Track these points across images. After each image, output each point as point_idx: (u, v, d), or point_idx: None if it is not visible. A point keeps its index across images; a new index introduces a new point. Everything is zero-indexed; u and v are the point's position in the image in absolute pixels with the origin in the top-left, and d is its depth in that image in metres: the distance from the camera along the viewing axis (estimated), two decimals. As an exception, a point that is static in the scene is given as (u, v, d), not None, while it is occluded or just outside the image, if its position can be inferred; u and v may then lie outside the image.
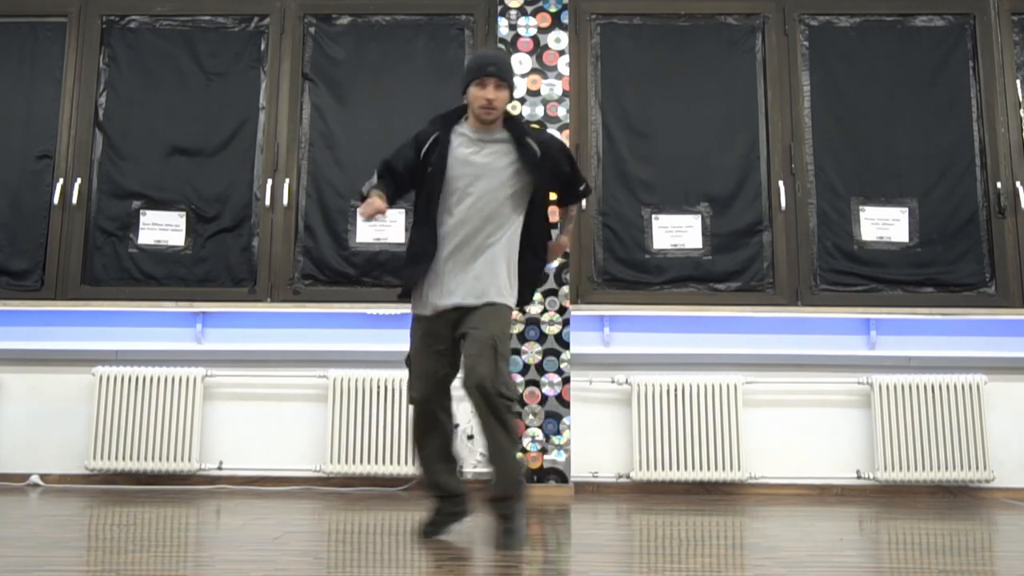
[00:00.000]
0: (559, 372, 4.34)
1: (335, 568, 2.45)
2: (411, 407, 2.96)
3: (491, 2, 4.74)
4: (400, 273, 3.02)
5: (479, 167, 2.88)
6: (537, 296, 4.37)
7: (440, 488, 2.97)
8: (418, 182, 2.94)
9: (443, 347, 2.89)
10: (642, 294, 4.55)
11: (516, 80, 4.58)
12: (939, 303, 4.50)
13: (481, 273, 2.84)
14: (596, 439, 4.44)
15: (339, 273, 4.59)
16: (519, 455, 2.97)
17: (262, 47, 4.81)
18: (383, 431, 4.36)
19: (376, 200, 2.82)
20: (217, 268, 4.62)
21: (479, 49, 4.72)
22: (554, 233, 3.23)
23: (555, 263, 4.27)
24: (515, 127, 2.95)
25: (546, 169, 2.93)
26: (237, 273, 4.61)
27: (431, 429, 2.94)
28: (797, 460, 4.42)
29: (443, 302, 2.85)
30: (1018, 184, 4.58)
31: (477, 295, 2.83)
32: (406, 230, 4.54)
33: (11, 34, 4.84)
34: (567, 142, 4.54)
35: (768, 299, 4.52)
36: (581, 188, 3.08)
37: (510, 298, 2.90)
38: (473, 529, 3.20)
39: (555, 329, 4.37)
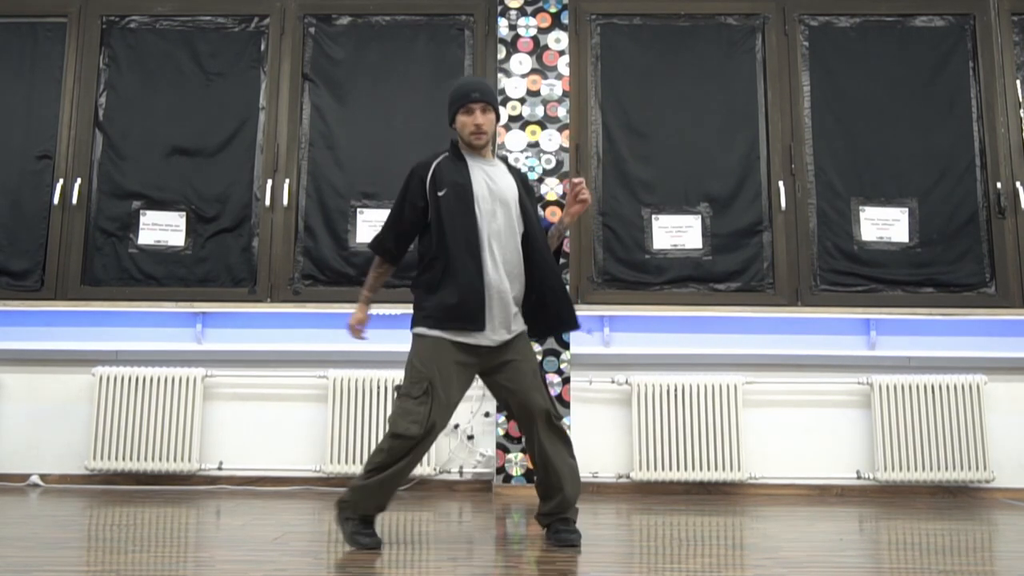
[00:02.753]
0: (559, 372, 4.34)
1: (335, 568, 2.45)
2: (410, 438, 2.68)
3: (491, 2, 4.74)
4: (448, 310, 2.77)
5: (499, 189, 2.86)
6: (537, 296, 4.36)
7: (378, 511, 2.80)
8: (431, 214, 2.85)
9: (467, 382, 2.83)
10: (642, 294, 4.55)
11: (516, 80, 4.59)
12: (939, 303, 4.50)
13: (515, 301, 2.85)
14: (596, 439, 4.44)
15: (339, 273, 4.59)
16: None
17: (262, 47, 4.81)
18: (383, 431, 4.36)
19: (357, 315, 2.95)
20: (217, 268, 4.62)
21: (478, 51, 4.72)
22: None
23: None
24: (504, 161, 3.02)
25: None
26: (237, 273, 4.62)
27: (417, 458, 2.74)
28: (797, 460, 4.42)
29: (498, 336, 2.80)
30: (1018, 184, 4.58)
31: (515, 325, 2.85)
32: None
33: (11, 34, 4.85)
34: (567, 142, 4.55)
35: (768, 299, 4.53)
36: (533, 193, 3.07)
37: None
38: (472, 530, 3.20)
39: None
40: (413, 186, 2.86)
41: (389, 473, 2.71)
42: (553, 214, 4.47)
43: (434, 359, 2.74)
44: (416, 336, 2.81)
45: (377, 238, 2.95)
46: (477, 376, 2.89)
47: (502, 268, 2.80)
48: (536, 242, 2.87)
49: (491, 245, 2.80)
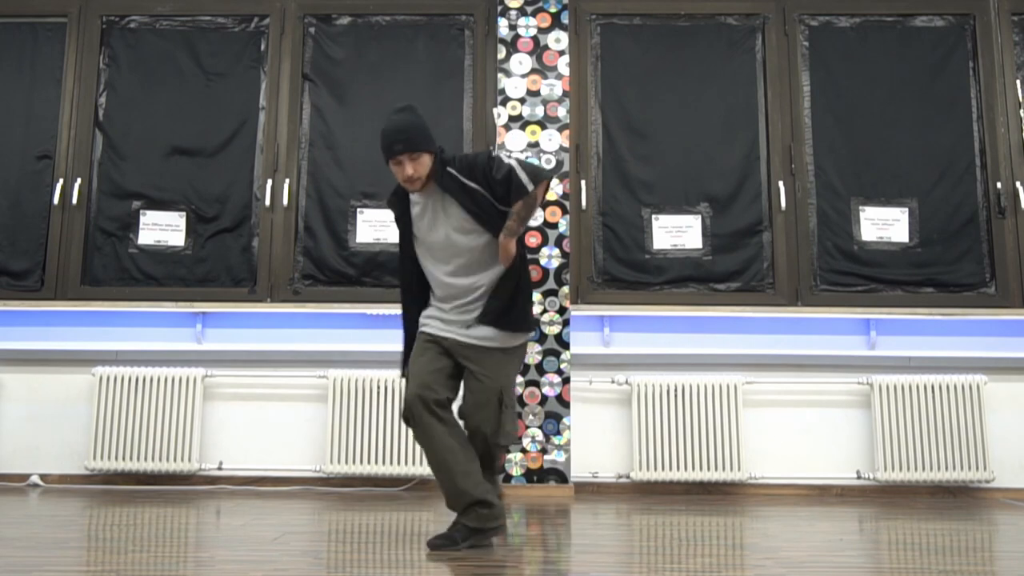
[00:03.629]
0: (559, 372, 4.34)
1: (335, 568, 2.45)
2: (406, 421, 2.79)
3: (491, 2, 4.74)
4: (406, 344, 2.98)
5: (442, 232, 2.87)
6: (537, 296, 4.37)
7: (462, 497, 2.74)
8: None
9: (446, 354, 2.86)
10: (642, 294, 4.55)
11: (516, 80, 4.59)
12: (939, 303, 4.50)
13: (482, 296, 2.86)
14: (596, 439, 4.44)
15: (339, 273, 4.59)
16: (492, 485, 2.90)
17: (262, 47, 4.81)
18: (383, 431, 4.36)
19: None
20: (217, 268, 4.62)
21: (478, 51, 4.71)
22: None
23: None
24: (440, 176, 2.84)
25: (485, 196, 2.84)
26: (237, 273, 4.61)
27: (435, 432, 2.73)
28: (797, 460, 4.42)
29: (462, 336, 2.84)
30: (1018, 184, 4.58)
31: (487, 339, 2.83)
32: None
33: (11, 34, 4.85)
34: (567, 142, 4.55)
35: (768, 299, 4.52)
36: (525, 189, 2.76)
37: (515, 337, 2.88)
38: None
39: (555, 329, 4.37)
40: (393, 208, 3.01)
41: (430, 458, 2.78)
42: (553, 214, 4.47)
43: (415, 349, 2.92)
44: None
45: (403, 278, 3.05)
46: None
47: (457, 289, 2.86)
48: (463, 258, 2.87)
49: (437, 273, 2.89)
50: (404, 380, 2.89)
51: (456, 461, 2.73)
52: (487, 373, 2.81)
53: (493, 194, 2.82)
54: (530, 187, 2.76)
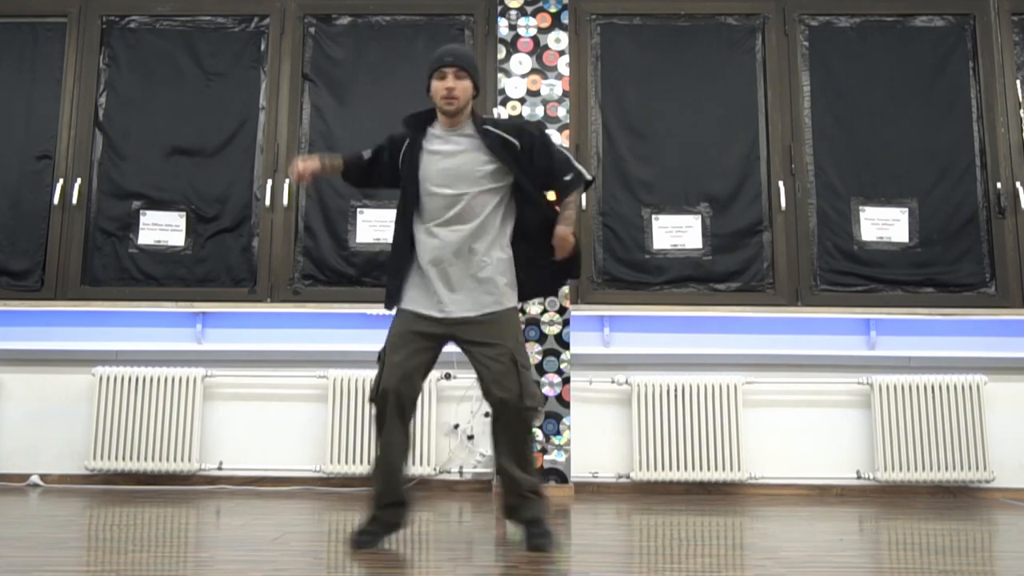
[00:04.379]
0: (559, 372, 4.34)
1: (335, 568, 2.45)
2: (374, 404, 2.76)
3: (491, 2, 4.74)
4: (387, 284, 2.91)
5: (454, 168, 2.80)
6: (537, 296, 4.36)
7: (392, 495, 2.78)
8: (398, 185, 2.92)
9: (427, 347, 2.79)
10: (642, 294, 4.55)
11: (516, 80, 4.59)
12: (939, 303, 4.50)
13: (484, 280, 2.78)
14: (596, 439, 4.44)
15: (339, 273, 4.59)
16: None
17: (262, 47, 4.81)
18: (383, 431, 4.36)
19: (311, 162, 2.87)
20: (217, 268, 4.62)
21: (478, 51, 4.72)
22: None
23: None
24: (482, 121, 2.87)
25: (526, 161, 2.84)
26: (237, 273, 4.61)
27: (395, 428, 2.73)
28: (797, 460, 4.42)
29: (451, 309, 2.76)
30: (1018, 184, 4.58)
31: (484, 305, 2.78)
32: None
33: (11, 34, 4.84)
34: (567, 142, 4.54)
35: (768, 299, 4.52)
36: (567, 178, 2.86)
37: (513, 299, 2.85)
38: (471, 530, 3.20)
39: (555, 329, 4.37)
40: (386, 149, 2.95)
41: (378, 448, 2.77)
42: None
43: (393, 329, 2.83)
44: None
45: (353, 154, 3.02)
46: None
47: (448, 246, 2.77)
48: (526, 205, 2.85)
49: (430, 224, 2.80)
50: (379, 362, 2.79)
51: (402, 461, 2.78)
52: (496, 340, 2.75)
53: (531, 163, 2.84)
54: (589, 177, 2.91)
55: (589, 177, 2.92)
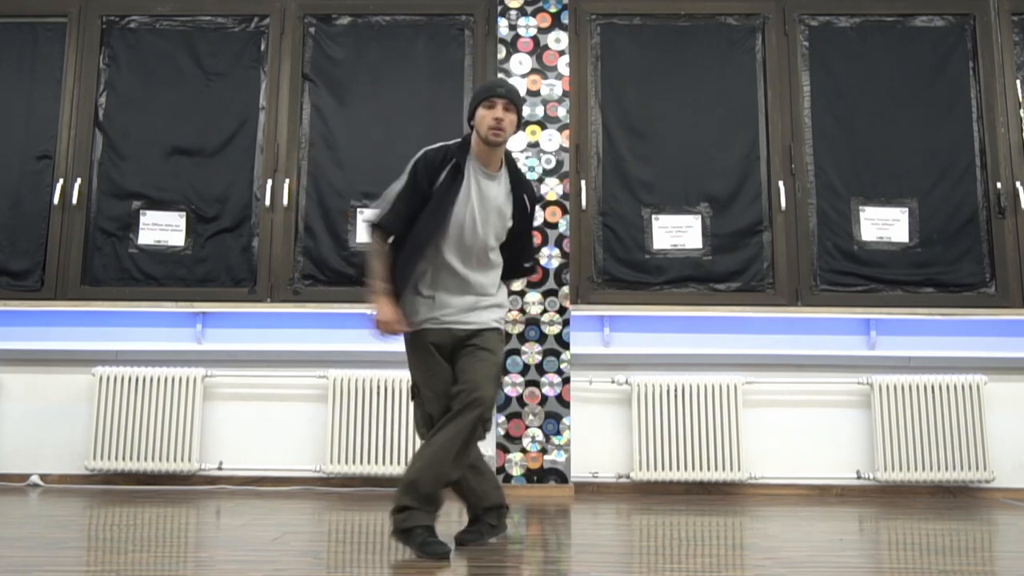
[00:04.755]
0: (559, 372, 4.34)
1: (335, 568, 2.45)
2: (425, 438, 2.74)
3: (491, 2, 4.74)
4: (403, 299, 2.80)
5: (491, 203, 2.82)
6: (537, 296, 4.37)
7: (480, 498, 2.83)
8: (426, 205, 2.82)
9: (445, 363, 2.80)
10: (642, 294, 4.55)
11: (516, 80, 4.59)
12: (939, 303, 4.50)
13: (489, 295, 2.85)
14: (596, 439, 4.44)
15: (339, 273, 4.59)
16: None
17: (262, 47, 4.81)
18: (383, 431, 4.36)
19: (387, 310, 2.75)
20: (217, 268, 4.62)
21: (478, 51, 4.72)
22: None
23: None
24: (515, 171, 2.92)
25: (521, 223, 2.93)
26: (237, 273, 4.61)
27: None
28: (797, 460, 4.42)
29: (463, 319, 2.79)
30: (1018, 184, 4.58)
31: (488, 318, 2.84)
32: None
33: (11, 34, 4.85)
34: (567, 142, 4.55)
35: (768, 299, 4.52)
36: (527, 265, 3.03)
37: (500, 318, 2.93)
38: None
39: (555, 329, 4.37)
40: (426, 173, 2.80)
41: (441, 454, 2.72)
42: (553, 214, 4.46)
43: (413, 355, 2.81)
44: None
45: (387, 216, 2.79)
46: None
47: (474, 268, 2.82)
48: (491, 258, 2.89)
49: (446, 252, 2.78)
50: (415, 396, 2.80)
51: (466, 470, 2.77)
52: (491, 348, 2.79)
53: (517, 223, 2.90)
54: (529, 267, 3.08)
55: (531, 266, 3.09)
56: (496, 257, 2.89)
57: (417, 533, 2.60)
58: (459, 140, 2.88)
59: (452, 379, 2.75)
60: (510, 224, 2.88)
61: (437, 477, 2.64)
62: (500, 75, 4.60)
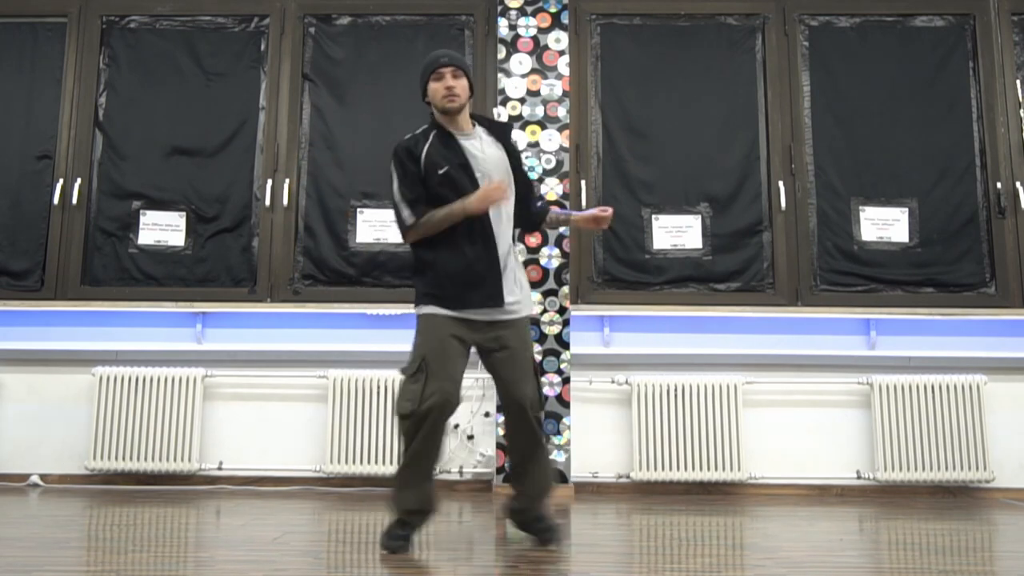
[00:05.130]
0: (559, 372, 4.34)
1: (335, 568, 2.45)
2: (413, 416, 2.64)
3: (491, 2, 4.74)
4: (445, 287, 2.75)
5: (489, 160, 2.85)
6: (537, 296, 4.37)
7: (428, 504, 2.75)
8: (431, 191, 2.81)
9: (464, 352, 2.77)
10: (642, 294, 4.55)
11: (516, 80, 4.59)
12: (939, 303, 4.50)
13: (517, 281, 2.83)
14: (596, 439, 4.44)
15: (339, 273, 4.59)
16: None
17: (262, 47, 4.81)
18: (383, 431, 4.36)
19: (497, 181, 2.75)
20: (217, 268, 4.62)
21: (478, 51, 4.72)
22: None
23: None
24: (484, 122, 2.95)
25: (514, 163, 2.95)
26: (237, 273, 4.61)
27: (439, 442, 2.72)
28: (797, 460, 4.42)
29: (494, 315, 2.77)
30: (1018, 184, 4.58)
31: (517, 308, 2.82)
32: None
33: (11, 34, 4.85)
34: (567, 142, 4.55)
35: (768, 299, 4.52)
36: (539, 204, 3.06)
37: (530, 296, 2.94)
38: (472, 530, 3.20)
39: (555, 329, 4.37)
40: (409, 161, 2.81)
41: (407, 457, 2.69)
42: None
43: (430, 335, 2.73)
44: (417, 317, 2.80)
45: (405, 211, 2.80)
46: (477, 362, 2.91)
47: (500, 241, 2.81)
48: (508, 210, 2.88)
49: (491, 218, 2.80)
50: (417, 371, 2.69)
51: (433, 470, 2.76)
52: (522, 344, 2.81)
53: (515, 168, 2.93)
54: (543, 204, 3.08)
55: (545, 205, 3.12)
56: (512, 225, 2.91)
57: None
58: (426, 125, 2.92)
59: (464, 367, 2.77)
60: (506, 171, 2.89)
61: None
62: (499, 74, 4.60)
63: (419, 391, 2.65)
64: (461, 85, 2.83)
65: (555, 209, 3.10)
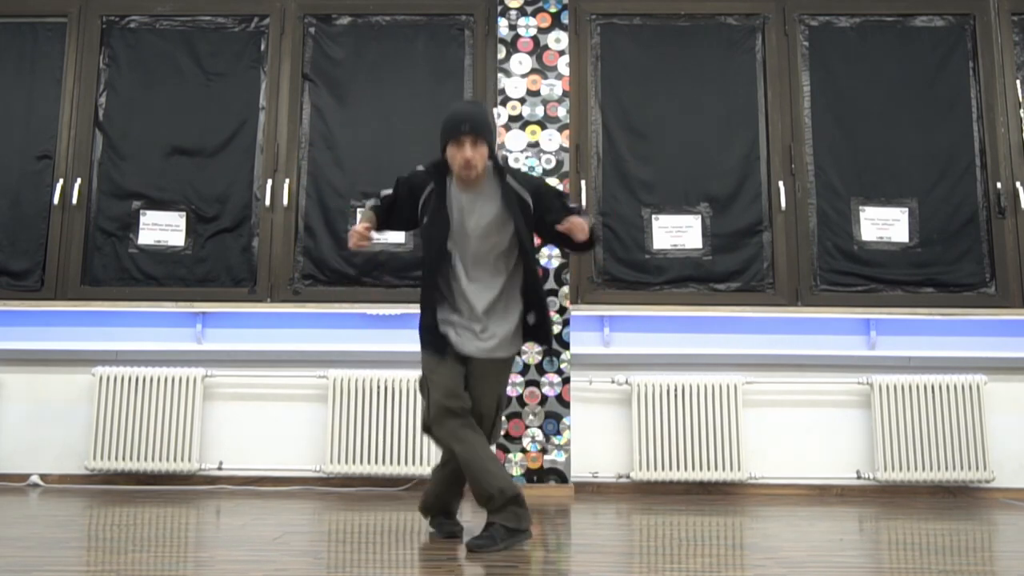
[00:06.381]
0: (559, 372, 4.34)
1: (335, 568, 2.45)
2: (431, 430, 2.83)
3: (491, 2, 4.74)
4: (424, 335, 2.91)
5: (476, 219, 2.86)
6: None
7: (508, 492, 2.79)
8: (419, 230, 2.99)
9: (461, 361, 2.88)
10: (642, 294, 4.55)
11: (516, 80, 4.59)
12: (939, 303, 4.50)
13: (497, 326, 2.87)
14: (596, 439, 4.44)
15: (339, 273, 4.59)
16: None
17: (262, 47, 4.81)
18: (383, 431, 4.36)
19: (361, 225, 2.86)
20: (217, 268, 4.62)
21: (478, 51, 4.72)
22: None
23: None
24: (502, 175, 2.92)
25: (537, 217, 2.92)
26: (237, 273, 4.61)
27: (471, 439, 2.80)
28: (797, 460, 4.42)
29: (470, 348, 2.86)
30: (1018, 184, 4.58)
31: (492, 349, 2.87)
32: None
33: (11, 34, 4.85)
34: (567, 142, 4.55)
35: (768, 299, 4.52)
36: (573, 205, 3.01)
37: (516, 347, 2.95)
38: (472, 530, 3.20)
39: (555, 329, 4.37)
40: (404, 192, 2.96)
41: (463, 461, 2.80)
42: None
43: (428, 360, 2.89)
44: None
45: (380, 201, 3.00)
46: None
47: (470, 296, 2.86)
48: (526, 261, 2.91)
49: (460, 276, 2.87)
50: (423, 390, 2.88)
51: (492, 460, 2.81)
52: (493, 382, 2.90)
53: (541, 216, 2.91)
54: (592, 220, 2.99)
55: (592, 220, 3.02)
56: (509, 264, 2.91)
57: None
58: (440, 161, 2.92)
59: (462, 379, 2.86)
60: (512, 228, 2.87)
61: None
62: (499, 74, 4.60)
63: (427, 406, 2.87)
64: (480, 154, 2.81)
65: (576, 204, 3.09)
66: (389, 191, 3.00)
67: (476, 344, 2.86)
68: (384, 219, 3.00)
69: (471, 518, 3.44)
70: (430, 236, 2.90)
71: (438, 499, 3.05)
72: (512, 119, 4.56)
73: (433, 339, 2.88)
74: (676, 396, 4.39)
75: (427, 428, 2.87)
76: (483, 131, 2.81)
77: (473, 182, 2.87)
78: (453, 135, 2.80)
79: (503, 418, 4.16)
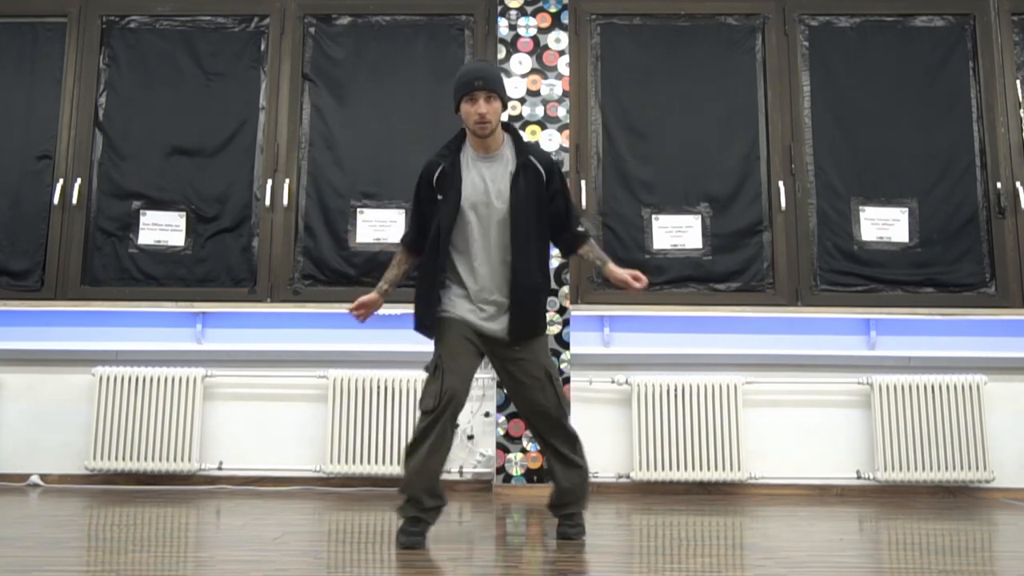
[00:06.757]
0: (559, 372, 4.34)
1: (335, 568, 2.45)
2: (434, 412, 2.77)
3: (491, 2, 4.74)
4: (419, 304, 2.89)
5: (491, 190, 2.85)
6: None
7: (437, 499, 2.83)
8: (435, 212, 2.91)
9: (477, 352, 2.87)
10: (642, 294, 4.53)
11: (516, 80, 4.59)
12: (939, 303, 4.50)
13: (522, 302, 2.84)
14: (596, 439, 4.44)
15: (339, 273, 4.59)
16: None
17: (262, 47, 4.81)
18: (383, 431, 4.36)
19: (367, 296, 2.96)
20: (217, 268, 4.62)
21: (478, 51, 4.72)
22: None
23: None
24: (519, 145, 2.92)
25: (546, 198, 2.93)
26: (237, 273, 4.62)
27: (447, 437, 2.81)
28: (797, 460, 4.42)
29: (490, 326, 2.84)
30: (1018, 184, 4.58)
31: (522, 328, 2.85)
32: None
33: (11, 34, 4.85)
34: (567, 142, 4.55)
35: (768, 299, 4.53)
36: (580, 229, 3.01)
37: (545, 321, 2.94)
38: (472, 530, 3.20)
39: (555, 329, 4.37)
40: (423, 187, 2.94)
41: (423, 450, 2.77)
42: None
43: (443, 335, 2.85)
44: (436, 319, 2.88)
45: (405, 234, 3.06)
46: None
47: (486, 270, 2.85)
48: (519, 240, 2.85)
49: (474, 250, 2.85)
50: (435, 369, 2.82)
51: (443, 465, 2.83)
52: (532, 357, 2.86)
53: (549, 202, 2.93)
54: (594, 232, 3.04)
55: (594, 232, 3.02)
56: (531, 251, 2.87)
57: None
58: (456, 134, 2.97)
59: (474, 366, 2.86)
60: (530, 202, 2.86)
61: None
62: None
63: (438, 388, 2.78)
64: (494, 109, 2.84)
65: (594, 245, 3.04)
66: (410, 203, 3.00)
67: (495, 324, 2.84)
68: (415, 237, 2.98)
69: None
70: (446, 209, 2.85)
71: (422, 473, 2.90)
72: (512, 119, 4.56)
73: (446, 321, 2.84)
74: (676, 396, 4.39)
75: (428, 409, 2.78)
76: (496, 87, 2.84)
77: (489, 143, 2.87)
78: (467, 91, 2.82)
79: (503, 418, 4.17)
